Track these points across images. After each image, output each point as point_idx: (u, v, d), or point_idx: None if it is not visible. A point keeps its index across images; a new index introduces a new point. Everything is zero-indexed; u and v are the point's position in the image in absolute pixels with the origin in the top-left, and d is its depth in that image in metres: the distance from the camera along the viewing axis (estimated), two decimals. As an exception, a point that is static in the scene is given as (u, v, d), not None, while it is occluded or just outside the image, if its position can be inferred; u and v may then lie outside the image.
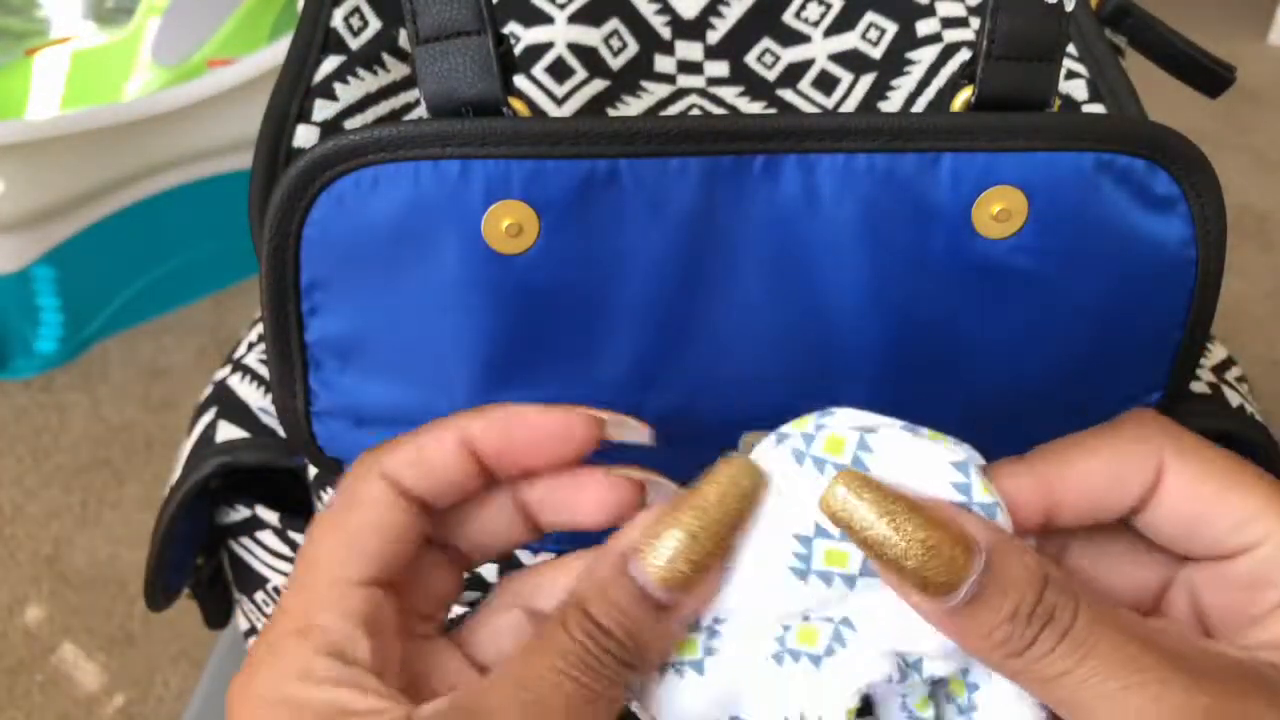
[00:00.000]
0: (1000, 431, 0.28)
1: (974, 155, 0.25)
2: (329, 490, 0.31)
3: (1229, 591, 0.20)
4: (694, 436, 0.27)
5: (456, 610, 0.29)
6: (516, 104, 0.25)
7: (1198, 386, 0.35)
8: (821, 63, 0.35)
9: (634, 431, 0.23)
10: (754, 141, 0.24)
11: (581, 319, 0.26)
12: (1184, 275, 0.27)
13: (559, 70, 0.33)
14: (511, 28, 0.33)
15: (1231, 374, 0.38)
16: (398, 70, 0.33)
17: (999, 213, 0.25)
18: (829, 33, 0.36)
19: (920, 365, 0.26)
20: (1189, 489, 0.20)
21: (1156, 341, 0.27)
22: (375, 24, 0.33)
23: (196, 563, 0.37)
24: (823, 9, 0.36)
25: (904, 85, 0.34)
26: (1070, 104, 0.33)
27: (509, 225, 0.24)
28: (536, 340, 0.26)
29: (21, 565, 0.98)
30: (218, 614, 0.39)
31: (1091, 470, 0.20)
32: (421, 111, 0.25)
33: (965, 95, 0.26)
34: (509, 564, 0.30)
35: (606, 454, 0.27)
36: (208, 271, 1.22)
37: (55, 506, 1.03)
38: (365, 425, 0.27)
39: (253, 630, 0.38)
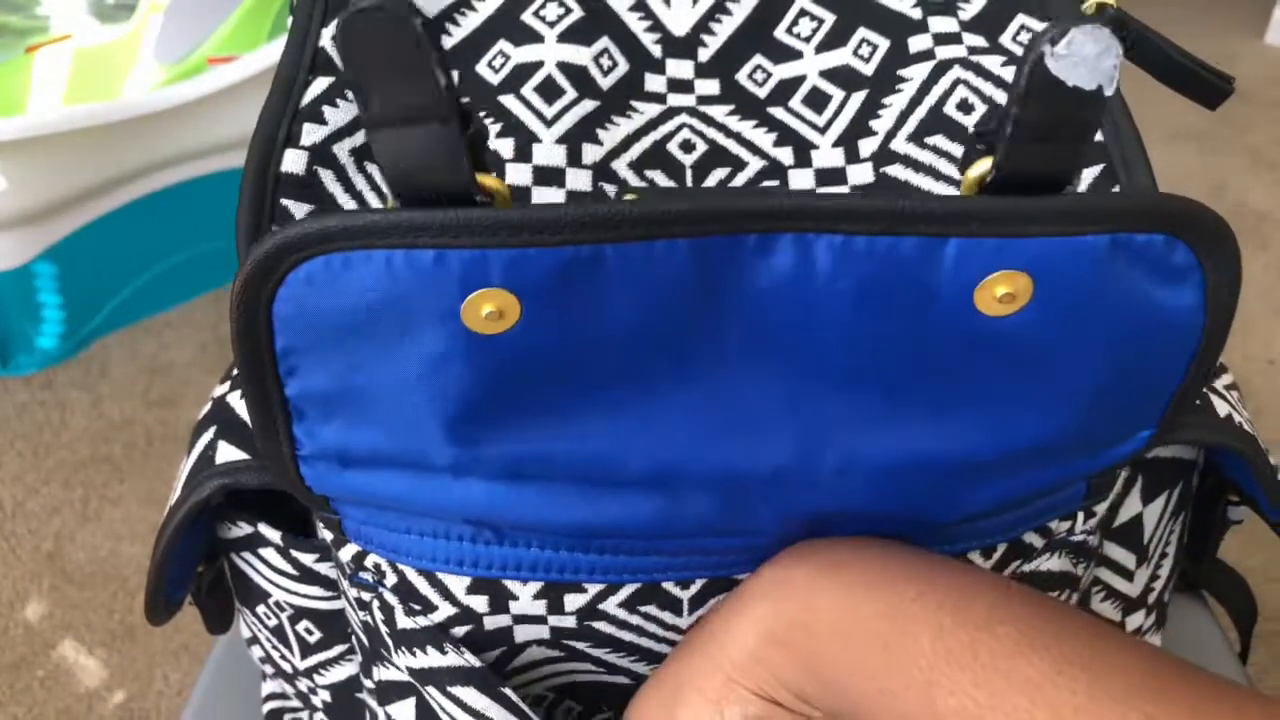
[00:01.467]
0: (993, 477, 0.28)
1: (982, 241, 0.23)
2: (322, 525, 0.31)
3: None
4: (680, 486, 0.27)
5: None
6: (489, 183, 0.24)
7: (1184, 402, 0.36)
8: (813, 79, 0.35)
9: None
10: (748, 222, 0.23)
11: (566, 386, 0.25)
12: (1189, 339, 0.26)
13: (548, 90, 0.32)
14: (500, 46, 0.33)
15: (1221, 382, 0.38)
16: None
17: (1003, 295, 0.24)
18: (820, 49, 0.35)
19: (914, 424, 0.26)
20: None
21: (1155, 394, 0.27)
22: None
23: (197, 570, 0.37)
24: (814, 25, 0.36)
25: (896, 103, 0.34)
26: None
27: (489, 312, 0.23)
28: (519, 404, 0.25)
29: (22, 561, 0.98)
30: (219, 620, 0.40)
31: None
32: None
33: (982, 169, 0.24)
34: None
35: (598, 531, 0.28)
36: (209, 268, 1.22)
37: (56, 502, 1.03)
38: (352, 467, 0.27)
39: (254, 639, 0.39)
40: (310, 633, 0.36)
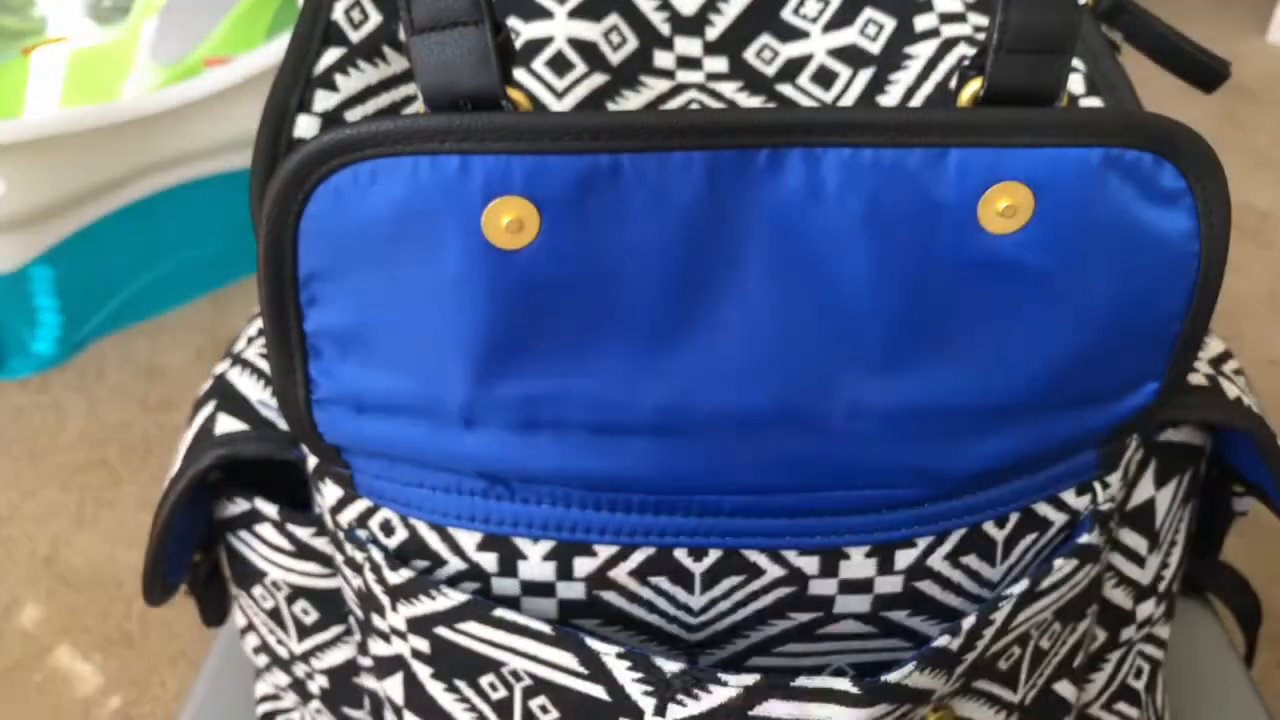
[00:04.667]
0: (1000, 424, 0.28)
1: (981, 151, 0.24)
2: (328, 482, 0.31)
3: None
4: (692, 427, 0.27)
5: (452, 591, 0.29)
6: (516, 95, 0.25)
7: (1195, 378, 0.36)
8: (820, 58, 0.35)
9: None
10: (758, 135, 0.24)
11: (582, 312, 0.25)
12: (1186, 268, 0.27)
13: (559, 64, 0.33)
14: (511, 22, 0.33)
15: (1229, 366, 0.38)
16: (398, 63, 0.33)
17: (1005, 209, 0.25)
18: (828, 28, 0.36)
19: (923, 358, 0.26)
20: None
21: (1156, 333, 0.28)
22: (376, 17, 0.33)
23: (194, 559, 0.37)
24: (821, 5, 0.36)
25: (902, 80, 0.34)
26: (1067, 97, 0.33)
27: (509, 221, 0.24)
28: (536, 332, 0.25)
29: (18, 565, 0.97)
30: (215, 611, 0.39)
31: None
32: (421, 104, 0.25)
33: (974, 88, 0.25)
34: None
35: (608, 482, 0.27)
36: (205, 271, 1.22)
37: (52, 507, 1.03)
38: (366, 412, 0.27)
39: (250, 627, 0.38)
40: (307, 613, 0.36)
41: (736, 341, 0.26)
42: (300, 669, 0.38)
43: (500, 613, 0.29)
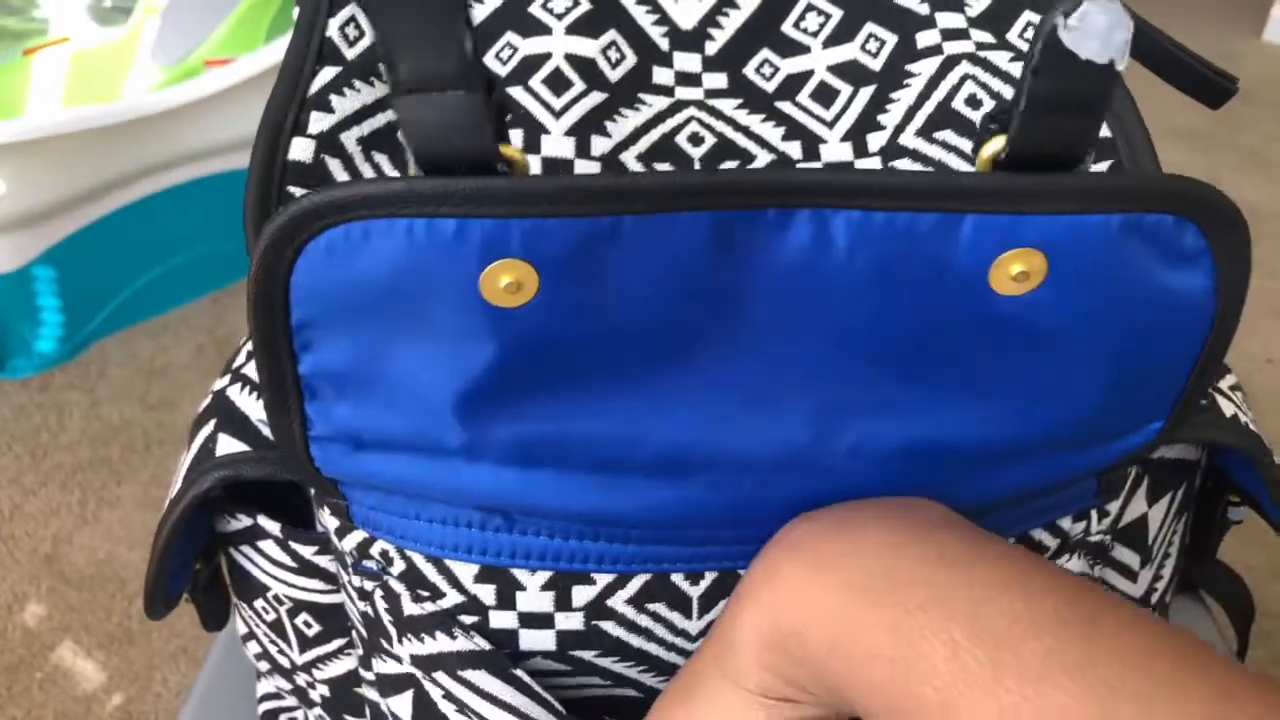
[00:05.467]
0: (1002, 464, 0.28)
1: (997, 218, 0.23)
2: (327, 510, 0.31)
3: None
4: (693, 470, 0.27)
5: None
6: (510, 154, 0.24)
7: (1193, 397, 0.36)
8: (820, 74, 0.35)
9: None
10: (766, 197, 0.23)
11: (581, 364, 0.25)
12: (1200, 323, 0.26)
13: (556, 82, 0.32)
14: (508, 38, 0.33)
15: (1225, 383, 0.38)
16: None
17: (1018, 274, 0.24)
18: (828, 43, 0.35)
19: (925, 401, 0.26)
20: None
21: (1165, 381, 0.27)
22: (371, 34, 0.32)
23: (195, 567, 0.37)
24: (821, 19, 0.36)
25: (903, 98, 0.34)
26: None
27: (508, 283, 0.23)
28: (535, 382, 0.25)
29: (20, 564, 0.98)
30: (215, 617, 0.39)
31: None
32: None
33: (995, 147, 0.24)
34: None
35: (608, 518, 0.27)
36: (206, 271, 1.22)
37: (54, 505, 1.03)
38: (364, 449, 0.27)
39: (251, 635, 0.38)
40: (309, 626, 0.36)
41: (738, 389, 0.25)
42: (301, 678, 0.38)
43: (520, 673, 0.28)
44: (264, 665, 0.39)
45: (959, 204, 0.23)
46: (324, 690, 0.37)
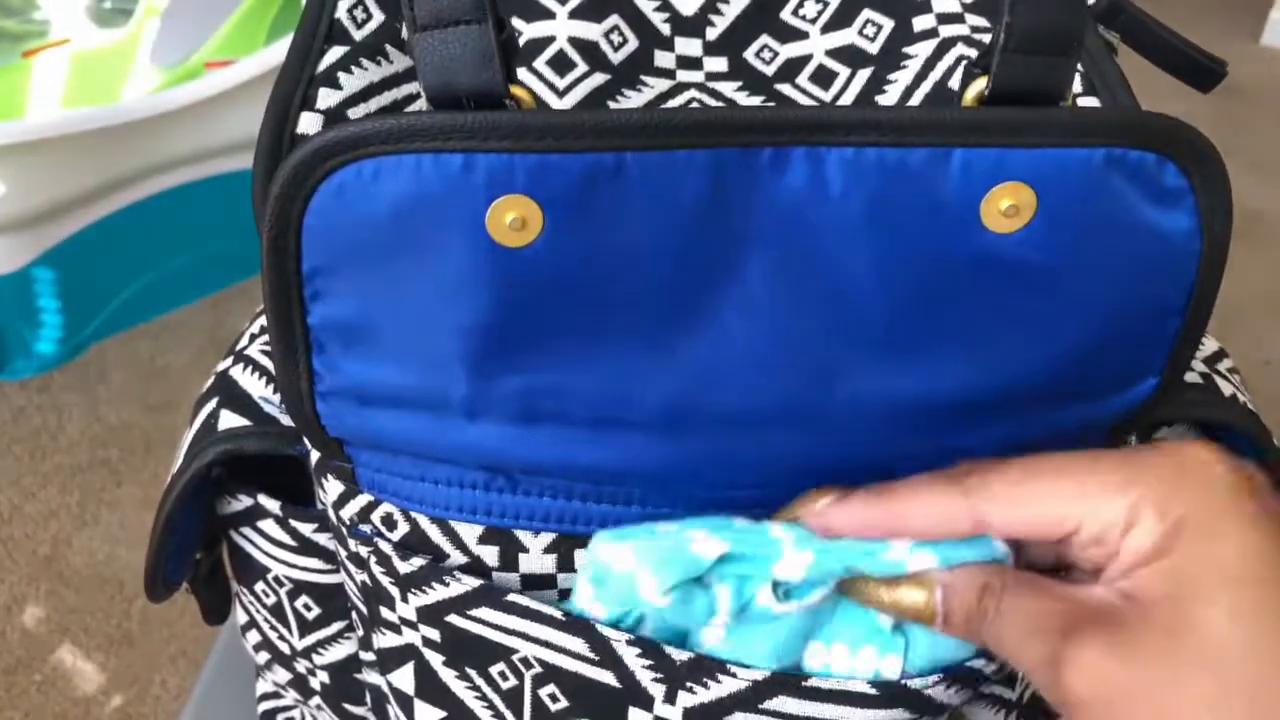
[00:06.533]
0: (999, 414, 0.28)
1: (985, 151, 0.24)
2: (330, 478, 0.31)
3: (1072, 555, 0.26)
4: (694, 423, 0.27)
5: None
6: (519, 93, 0.25)
7: (1190, 376, 0.36)
8: (819, 58, 0.35)
9: None
10: (762, 134, 0.24)
11: (585, 309, 0.25)
12: (1186, 266, 0.27)
13: (560, 63, 0.33)
14: (513, 23, 0.34)
15: (1223, 365, 0.39)
16: (400, 61, 0.33)
17: (1008, 208, 0.25)
18: (826, 29, 0.36)
19: (923, 350, 0.26)
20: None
21: (1156, 329, 0.28)
22: (379, 16, 0.33)
23: (196, 557, 0.37)
24: (820, 6, 0.36)
25: (900, 79, 0.34)
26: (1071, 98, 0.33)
27: (513, 219, 0.24)
28: (538, 327, 0.26)
29: (19, 565, 0.98)
30: (216, 609, 0.39)
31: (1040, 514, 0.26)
32: (424, 103, 0.25)
33: (978, 87, 0.25)
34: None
35: (609, 474, 0.28)
36: (206, 273, 1.22)
37: (53, 507, 1.03)
38: (369, 405, 0.27)
39: (251, 623, 0.39)
40: (309, 609, 0.36)
41: (739, 338, 0.26)
42: (301, 664, 0.38)
43: (514, 597, 0.29)
44: (264, 656, 0.39)
45: (946, 137, 0.24)
46: (324, 677, 0.37)
